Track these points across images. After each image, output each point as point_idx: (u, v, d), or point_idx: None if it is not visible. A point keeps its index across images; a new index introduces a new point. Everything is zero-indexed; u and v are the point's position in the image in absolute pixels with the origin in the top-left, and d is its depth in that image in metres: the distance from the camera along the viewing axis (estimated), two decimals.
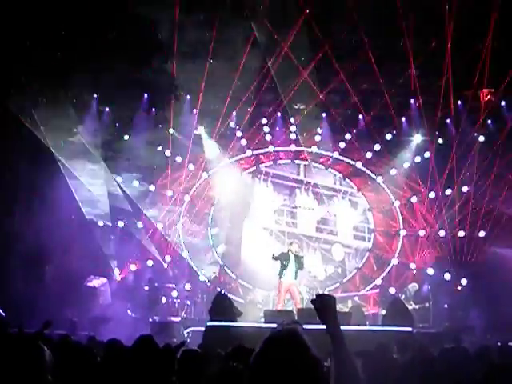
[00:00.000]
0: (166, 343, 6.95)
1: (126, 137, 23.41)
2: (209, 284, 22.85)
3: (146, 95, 23.17)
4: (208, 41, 20.95)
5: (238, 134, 24.57)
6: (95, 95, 22.66)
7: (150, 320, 19.32)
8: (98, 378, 6.40)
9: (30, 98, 20.91)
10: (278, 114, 24.30)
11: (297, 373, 2.99)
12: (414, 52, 20.98)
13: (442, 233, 23.38)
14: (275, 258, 18.78)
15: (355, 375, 3.44)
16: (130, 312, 20.20)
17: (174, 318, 20.07)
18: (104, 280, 21.40)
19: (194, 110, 23.87)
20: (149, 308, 20.57)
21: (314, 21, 19.97)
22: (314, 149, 24.96)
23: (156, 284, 21.75)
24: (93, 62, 20.55)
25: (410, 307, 19.24)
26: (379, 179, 24.55)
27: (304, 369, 3.01)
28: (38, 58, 19.87)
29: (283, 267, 18.61)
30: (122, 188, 23.30)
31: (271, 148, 24.95)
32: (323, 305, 3.71)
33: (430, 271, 22.68)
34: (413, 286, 21.52)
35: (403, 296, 20.94)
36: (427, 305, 20.71)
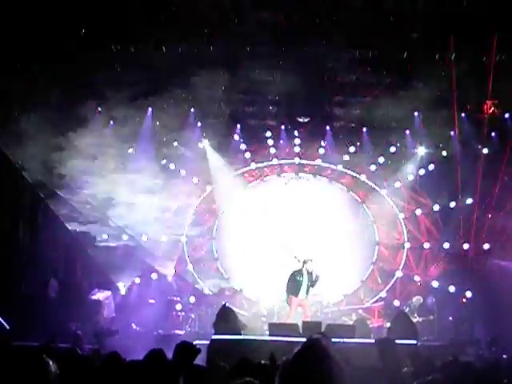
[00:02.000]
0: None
1: (130, 150, 23.42)
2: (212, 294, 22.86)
3: (150, 109, 23.23)
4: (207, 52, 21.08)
5: (242, 146, 24.60)
6: (99, 108, 22.69)
7: (155, 333, 19.34)
8: None
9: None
10: (282, 126, 24.32)
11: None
12: (418, 64, 21.01)
13: (446, 245, 23.35)
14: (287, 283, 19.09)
15: None
16: (134, 325, 20.19)
17: (178, 331, 20.08)
18: (108, 293, 21.41)
19: (199, 123, 23.93)
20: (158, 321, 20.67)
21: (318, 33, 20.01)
22: (318, 162, 24.97)
23: (168, 297, 21.84)
24: (96, 74, 20.63)
25: (414, 320, 19.28)
26: (383, 192, 24.54)
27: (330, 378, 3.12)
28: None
29: (297, 285, 18.85)
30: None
31: (275, 161, 24.95)
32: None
33: (435, 284, 22.68)
34: (417, 300, 21.51)
35: (407, 309, 20.94)
36: (431, 317, 20.71)
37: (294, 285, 19.03)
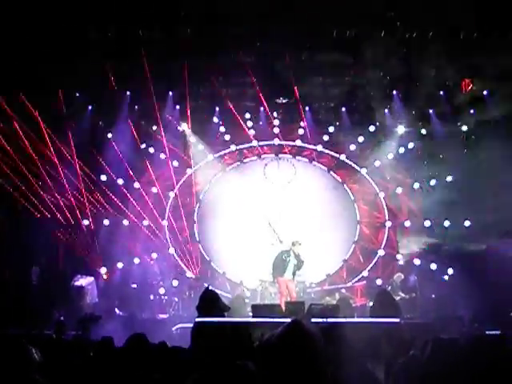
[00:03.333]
0: (161, 341, 6.96)
1: (110, 135, 23.33)
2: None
3: (128, 92, 23.14)
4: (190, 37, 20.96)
5: (222, 129, 24.54)
6: (77, 93, 22.58)
7: (139, 318, 19.33)
8: (91, 376, 6.39)
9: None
10: (261, 108, 24.26)
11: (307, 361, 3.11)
12: (396, 42, 21.00)
13: (427, 223, 23.44)
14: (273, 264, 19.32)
15: None
16: (117, 310, 20.17)
17: (162, 315, 20.08)
18: (91, 279, 21.36)
19: (177, 107, 23.86)
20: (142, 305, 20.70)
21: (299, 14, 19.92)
22: (298, 142, 24.95)
23: (152, 280, 21.86)
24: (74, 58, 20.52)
25: (398, 297, 19.41)
26: (363, 171, 24.56)
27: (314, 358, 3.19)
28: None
29: (283, 266, 19.09)
30: (106, 186, 23.21)
31: (255, 143, 24.91)
32: None
33: (417, 262, 22.77)
34: (398, 276, 21.63)
35: (390, 287, 21.01)
36: (414, 295, 20.82)
37: (280, 265, 19.42)
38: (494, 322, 16.38)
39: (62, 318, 17.62)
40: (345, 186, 25.11)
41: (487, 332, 12.57)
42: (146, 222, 23.67)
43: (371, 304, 18.38)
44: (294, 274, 19.57)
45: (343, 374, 5.00)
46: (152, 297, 21.35)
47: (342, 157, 24.68)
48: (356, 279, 23.90)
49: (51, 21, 19.47)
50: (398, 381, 6.94)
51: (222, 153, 25.05)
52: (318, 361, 3.22)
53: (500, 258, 21.18)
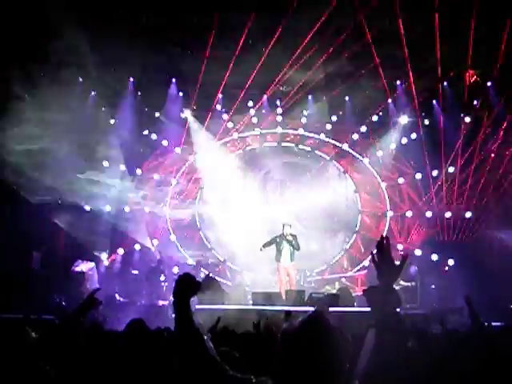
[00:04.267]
0: (157, 327, 6.96)
1: (112, 121, 23.33)
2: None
3: (131, 79, 23.13)
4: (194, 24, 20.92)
5: (225, 116, 24.51)
6: (80, 79, 22.52)
7: (139, 304, 19.36)
8: (91, 361, 6.40)
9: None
10: (265, 96, 24.22)
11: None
12: (401, 33, 20.93)
13: (428, 214, 23.45)
14: (266, 245, 19.16)
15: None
16: (118, 296, 20.19)
17: (162, 302, 20.10)
18: (92, 264, 21.37)
19: (180, 93, 23.84)
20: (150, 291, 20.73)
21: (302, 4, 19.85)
22: (301, 131, 24.93)
23: (160, 266, 21.87)
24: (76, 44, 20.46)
25: (397, 286, 19.38)
26: (366, 161, 24.55)
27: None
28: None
29: (279, 251, 18.97)
30: (108, 172, 23.20)
31: (258, 131, 24.89)
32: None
33: (418, 252, 22.77)
34: None
35: None
36: (414, 284, 20.82)
37: (276, 251, 19.21)
38: (495, 314, 16.43)
39: (62, 303, 17.67)
40: (347, 175, 25.10)
41: (486, 323, 12.58)
42: (147, 209, 23.68)
43: None
44: (291, 258, 19.33)
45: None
46: (152, 283, 21.34)
47: (345, 146, 24.67)
48: (357, 268, 23.94)
49: (54, 6, 19.41)
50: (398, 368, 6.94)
51: (225, 140, 25.01)
52: (336, 354, 3.23)
53: (501, 248, 21.22)
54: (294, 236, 19.34)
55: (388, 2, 19.68)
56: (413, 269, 21.45)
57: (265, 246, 19.42)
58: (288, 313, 7.36)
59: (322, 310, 3.43)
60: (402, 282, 20.61)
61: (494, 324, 11.56)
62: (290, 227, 19.57)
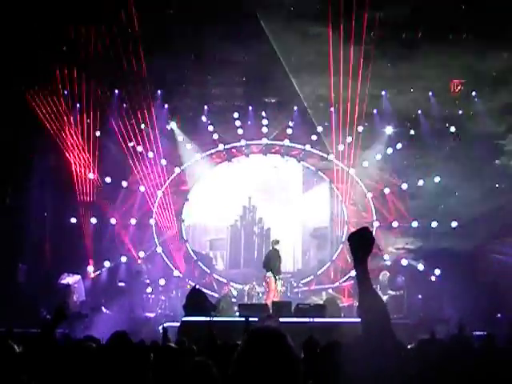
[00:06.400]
0: (141, 339, 6.95)
1: (98, 133, 23.28)
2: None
3: (117, 91, 23.11)
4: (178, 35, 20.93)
5: (210, 128, 24.49)
6: (65, 91, 22.50)
7: (125, 316, 19.30)
8: (74, 374, 6.37)
9: None
10: (250, 107, 24.23)
11: (280, 370, 3.05)
12: (384, 43, 21.00)
13: (414, 224, 23.50)
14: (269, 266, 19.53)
15: (383, 310, 3.57)
16: (104, 309, 20.13)
17: (149, 314, 20.07)
18: (78, 277, 21.30)
19: (166, 105, 23.83)
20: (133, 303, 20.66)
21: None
22: (286, 142, 24.94)
23: (141, 278, 21.82)
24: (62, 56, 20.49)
25: (385, 296, 19.54)
26: (352, 171, 24.58)
27: (287, 367, 3.08)
28: None
29: (273, 264, 19.44)
30: (93, 184, 23.15)
31: (243, 142, 24.89)
32: (360, 239, 3.89)
33: (404, 262, 22.82)
34: (384, 275, 21.68)
35: (378, 286, 21.05)
36: (402, 292, 20.87)
37: (270, 264, 19.72)
38: (482, 324, 16.47)
39: (48, 316, 17.59)
40: (333, 185, 25.12)
41: (474, 333, 12.63)
42: (133, 221, 23.64)
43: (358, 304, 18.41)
44: (279, 271, 19.95)
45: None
46: (139, 295, 21.29)
47: (331, 157, 24.69)
48: (343, 279, 23.92)
49: (40, 18, 19.43)
50: (383, 380, 6.94)
51: (210, 152, 25.00)
52: (291, 360, 3.18)
53: (488, 259, 21.29)
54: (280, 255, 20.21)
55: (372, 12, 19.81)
56: (399, 279, 21.49)
57: (268, 267, 19.86)
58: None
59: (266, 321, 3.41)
60: (389, 292, 20.69)
61: (481, 333, 11.61)
62: (278, 243, 20.06)
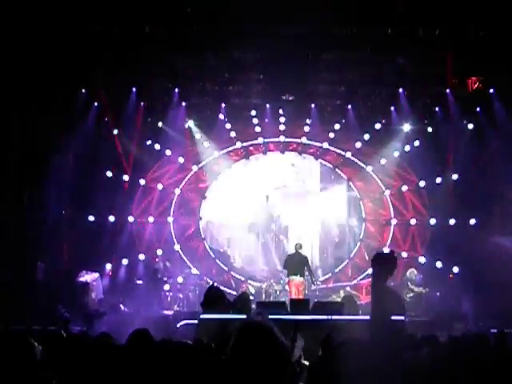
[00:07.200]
0: (163, 338, 6.96)
1: (115, 131, 23.32)
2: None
3: (134, 89, 23.12)
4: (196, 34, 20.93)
5: (227, 126, 24.49)
6: (83, 90, 22.54)
7: (143, 314, 19.33)
8: (94, 372, 6.39)
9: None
10: (267, 105, 24.20)
11: (269, 360, 3.18)
12: (402, 40, 20.94)
13: (432, 221, 23.41)
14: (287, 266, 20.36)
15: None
16: (122, 307, 20.19)
17: (166, 312, 20.10)
18: (96, 275, 21.37)
19: (183, 103, 23.83)
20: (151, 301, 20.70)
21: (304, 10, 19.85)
22: (304, 140, 24.89)
23: (159, 276, 21.81)
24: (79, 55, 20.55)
25: (411, 294, 19.86)
26: (369, 169, 24.52)
27: (273, 354, 3.23)
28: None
29: (293, 267, 20.23)
30: (111, 182, 23.17)
31: (261, 140, 24.87)
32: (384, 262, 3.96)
33: (422, 259, 22.76)
34: (411, 272, 21.69)
35: (408, 283, 21.19)
36: (427, 290, 21.00)
37: (290, 267, 20.56)
38: (498, 321, 16.43)
39: (66, 314, 17.67)
40: (350, 183, 25.10)
41: (492, 330, 12.58)
42: (151, 219, 23.69)
43: None
44: (302, 274, 20.44)
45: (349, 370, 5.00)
46: (157, 293, 21.32)
47: (348, 154, 24.65)
48: (361, 277, 23.88)
49: (55, 16, 19.49)
50: (402, 377, 6.94)
51: (228, 150, 25.02)
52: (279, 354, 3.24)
53: (506, 256, 21.20)
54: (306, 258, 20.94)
55: (391, 9, 19.73)
56: (418, 277, 21.47)
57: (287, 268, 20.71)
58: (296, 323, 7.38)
59: (252, 317, 3.51)
60: (415, 289, 20.78)
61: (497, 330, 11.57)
62: (301, 247, 20.66)
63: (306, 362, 9.01)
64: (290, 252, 21.09)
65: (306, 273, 20.60)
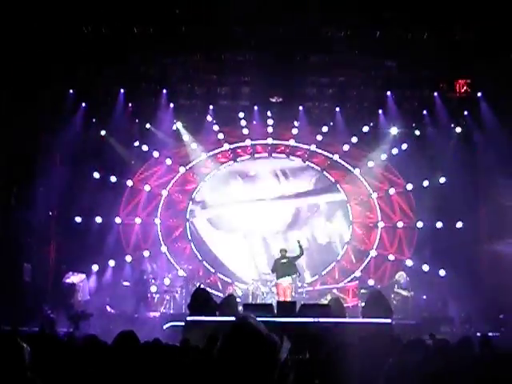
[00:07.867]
0: (147, 340, 6.95)
1: (103, 132, 23.27)
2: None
3: (122, 90, 23.05)
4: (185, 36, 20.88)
5: (215, 127, 24.47)
6: (71, 91, 22.45)
7: (130, 315, 19.31)
8: (80, 373, 6.38)
9: None
10: (255, 107, 24.17)
11: (258, 360, 3.19)
12: (390, 43, 20.94)
13: (419, 224, 23.47)
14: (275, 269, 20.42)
15: None
16: (109, 308, 20.16)
17: (153, 313, 20.07)
18: (82, 276, 21.32)
19: (171, 105, 23.78)
20: (137, 302, 20.66)
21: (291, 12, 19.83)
22: (292, 142, 24.92)
23: (145, 277, 21.76)
24: (67, 56, 20.47)
25: (398, 297, 19.88)
26: (357, 171, 24.57)
27: (263, 351, 3.25)
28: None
29: (281, 271, 20.00)
30: (98, 183, 23.12)
31: (248, 142, 24.87)
32: None
33: (409, 262, 22.82)
34: (400, 275, 21.71)
35: (396, 286, 21.20)
36: (412, 294, 20.99)
37: (278, 270, 20.41)
38: (485, 323, 16.50)
39: (51, 315, 17.64)
40: (338, 185, 25.09)
41: (477, 333, 12.63)
42: (138, 220, 23.66)
43: (363, 304, 18.45)
44: (291, 277, 20.43)
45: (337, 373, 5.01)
46: (144, 295, 21.28)
47: (336, 157, 24.69)
48: (348, 279, 23.92)
49: (43, 16, 19.40)
50: (389, 380, 6.95)
51: (216, 151, 25.01)
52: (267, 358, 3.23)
53: (492, 259, 21.28)
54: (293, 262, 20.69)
55: (379, 12, 19.72)
56: (405, 280, 21.50)
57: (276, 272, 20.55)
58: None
59: (245, 317, 3.45)
60: (402, 293, 20.83)
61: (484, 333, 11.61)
62: (286, 252, 20.59)
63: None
64: (276, 256, 21.01)
65: (294, 275, 20.57)
